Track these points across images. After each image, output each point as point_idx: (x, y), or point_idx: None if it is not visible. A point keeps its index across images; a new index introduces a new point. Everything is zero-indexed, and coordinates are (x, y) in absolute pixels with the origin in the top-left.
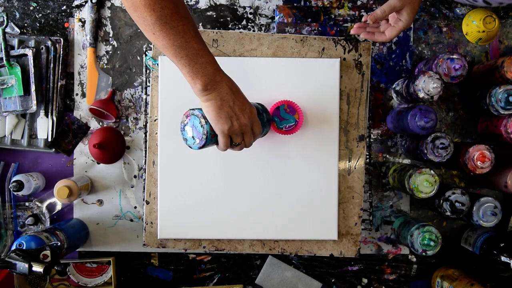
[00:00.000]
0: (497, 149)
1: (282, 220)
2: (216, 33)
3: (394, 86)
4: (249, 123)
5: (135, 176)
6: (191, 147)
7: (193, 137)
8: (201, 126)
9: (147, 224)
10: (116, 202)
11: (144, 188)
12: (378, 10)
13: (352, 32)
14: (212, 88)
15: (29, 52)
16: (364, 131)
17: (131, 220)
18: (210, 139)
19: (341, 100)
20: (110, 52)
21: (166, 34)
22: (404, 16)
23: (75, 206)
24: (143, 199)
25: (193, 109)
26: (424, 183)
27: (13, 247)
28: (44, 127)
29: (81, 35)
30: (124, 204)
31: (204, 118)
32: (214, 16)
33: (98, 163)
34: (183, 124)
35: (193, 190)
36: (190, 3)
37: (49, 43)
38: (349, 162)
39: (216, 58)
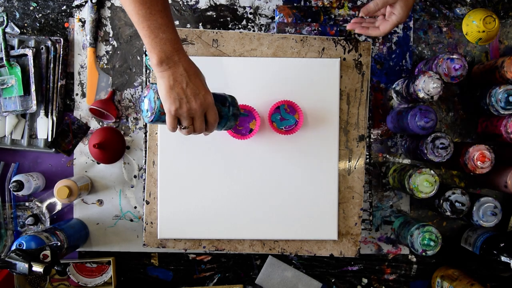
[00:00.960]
0: (497, 149)
1: (282, 220)
2: (216, 33)
3: (394, 86)
4: (199, 108)
5: (135, 176)
6: (144, 120)
7: (147, 110)
8: (154, 101)
9: (147, 224)
10: (116, 202)
11: (144, 188)
12: (371, 3)
13: (347, 27)
14: (167, 66)
15: (29, 52)
16: (364, 131)
17: (131, 220)
18: (159, 115)
19: (341, 100)
20: (110, 52)
21: (132, 0)
22: (398, 10)
23: (75, 206)
24: (143, 199)
25: (153, 83)
26: (424, 183)
27: (13, 247)
28: (44, 127)
29: (81, 35)
30: (124, 204)
31: (157, 94)
32: (214, 16)
33: (98, 163)
34: (143, 96)
35: (193, 190)
36: (190, 3)
37: (49, 43)
38: (349, 162)
39: (216, 58)
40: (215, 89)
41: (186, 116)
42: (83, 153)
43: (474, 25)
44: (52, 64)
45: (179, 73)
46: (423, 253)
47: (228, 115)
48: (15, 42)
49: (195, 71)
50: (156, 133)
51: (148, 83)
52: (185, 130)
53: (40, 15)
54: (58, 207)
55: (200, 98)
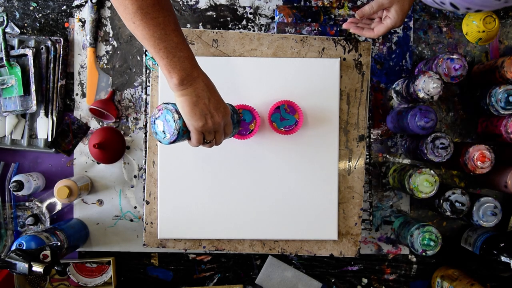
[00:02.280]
0: (497, 149)
1: (282, 220)
2: (216, 33)
3: (394, 86)
4: (222, 122)
5: (135, 176)
6: (160, 142)
7: (163, 131)
8: (174, 121)
9: (147, 224)
10: (116, 202)
11: (144, 188)
12: (367, 6)
13: (344, 26)
14: (189, 83)
15: (29, 52)
16: (364, 131)
17: (131, 220)
18: (182, 135)
19: (341, 100)
20: (110, 52)
21: (146, 24)
22: (392, 13)
23: (75, 206)
24: (143, 199)
25: (166, 103)
26: (424, 183)
27: (13, 247)
28: (44, 127)
29: (81, 35)
30: (124, 204)
31: (178, 113)
32: (214, 16)
33: (98, 163)
34: (154, 117)
35: (193, 190)
36: (190, 3)
37: (49, 43)
38: (349, 162)
39: (216, 58)
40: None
41: (211, 131)
42: (83, 153)
43: (474, 25)
44: (52, 64)
45: (201, 89)
46: (423, 253)
47: (234, 123)
48: (15, 42)
49: (212, 85)
50: None
51: (159, 105)
52: (209, 144)
53: (40, 15)
54: (58, 207)
55: (221, 111)
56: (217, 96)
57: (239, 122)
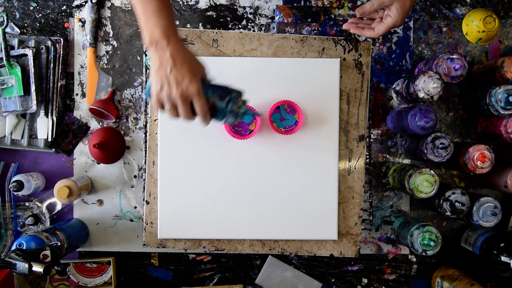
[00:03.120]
0: (497, 149)
1: (282, 220)
2: (216, 33)
3: (394, 86)
4: (180, 96)
5: (135, 176)
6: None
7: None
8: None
9: (147, 224)
10: (116, 202)
11: (144, 188)
12: (367, 3)
13: (344, 26)
14: (155, 49)
15: (29, 52)
16: (364, 131)
17: (131, 220)
18: (149, 94)
19: (341, 100)
20: (110, 52)
21: None
22: (393, 12)
23: (75, 206)
24: (143, 199)
25: None
26: (424, 183)
27: (13, 247)
28: (44, 127)
29: (81, 35)
30: (124, 204)
31: None
32: (214, 16)
33: (98, 163)
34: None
35: (193, 190)
36: (190, 3)
37: (49, 43)
38: (349, 162)
39: (216, 58)
40: None
41: (166, 101)
42: (83, 153)
43: (474, 25)
44: (52, 64)
45: (165, 59)
46: (423, 253)
47: (225, 110)
48: (15, 42)
49: (183, 59)
50: (156, 133)
51: None
52: (168, 113)
53: (40, 15)
54: (58, 207)
55: (181, 86)
56: (184, 71)
57: (235, 113)
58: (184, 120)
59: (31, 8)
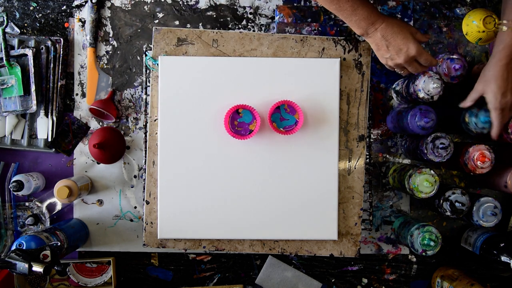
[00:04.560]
0: (497, 149)
1: (282, 220)
2: (216, 33)
3: (394, 86)
4: (406, 62)
5: (135, 176)
6: None
7: None
8: None
9: (147, 224)
10: (116, 202)
11: (144, 188)
12: (468, 102)
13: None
14: (368, 37)
15: (29, 52)
16: (364, 131)
17: (131, 220)
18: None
19: (341, 100)
20: (110, 52)
21: (327, 3)
22: (489, 98)
23: (75, 206)
24: (143, 199)
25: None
26: (424, 183)
27: (13, 247)
28: (44, 127)
29: (81, 35)
30: (124, 204)
31: None
32: (214, 16)
33: (98, 163)
34: None
35: (193, 190)
36: (190, 3)
37: (49, 43)
38: (349, 162)
39: (215, 58)
40: (215, 89)
41: (394, 68)
42: (83, 153)
43: (474, 25)
44: (52, 64)
45: (378, 39)
46: (423, 253)
47: None
48: (15, 42)
49: (392, 32)
50: (156, 133)
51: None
52: (401, 73)
53: (40, 15)
54: (58, 207)
55: (403, 53)
56: (398, 41)
57: None
58: (420, 71)
59: (31, 8)
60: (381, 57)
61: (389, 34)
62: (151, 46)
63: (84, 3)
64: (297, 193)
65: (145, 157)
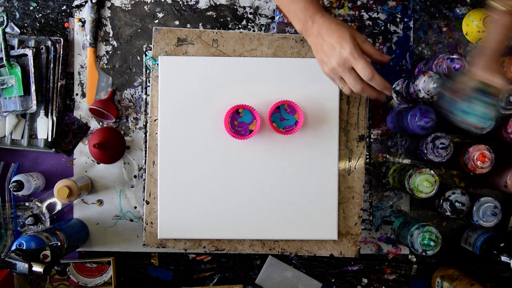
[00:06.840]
0: (497, 149)
1: (282, 220)
2: (216, 33)
3: (394, 86)
4: (339, 66)
5: (135, 176)
6: None
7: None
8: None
9: (147, 224)
10: (116, 202)
11: (144, 188)
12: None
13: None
14: (307, 34)
15: (29, 52)
16: (364, 131)
17: (131, 220)
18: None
19: (341, 100)
20: (110, 52)
21: None
22: None
23: (75, 206)
24: (143, 199)
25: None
26: (424, 183)
27: (13, 247)
28: (44, 127)
29: (81, 35)
30: (124, 204)
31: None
32: (214, 16)
33: (98, 163)
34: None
35: (193, 190)
36: (190, 3)
37: (49, 43)
38: (349, 162)
39: (216, 58)
40: (215, 89)
41: (332, 77)
42: (83, 153)
43: (474, 25)
44: (52, 64)
45: (314, 37)
46: (423, 253)
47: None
48: (15, 42)
49: (328, 29)
50: (156, 133)
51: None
52: (344, 90)
53: (40, 15)
54: (58, 207)
55: (336, 53)
56: (333, 40)
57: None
58: (360, 92)
59: (31, 8)
60: (320, 62)
61: (324, 30)
62: (151, 46)
63: (84, 3)
64: (297, 193)
65: (145, 157)
